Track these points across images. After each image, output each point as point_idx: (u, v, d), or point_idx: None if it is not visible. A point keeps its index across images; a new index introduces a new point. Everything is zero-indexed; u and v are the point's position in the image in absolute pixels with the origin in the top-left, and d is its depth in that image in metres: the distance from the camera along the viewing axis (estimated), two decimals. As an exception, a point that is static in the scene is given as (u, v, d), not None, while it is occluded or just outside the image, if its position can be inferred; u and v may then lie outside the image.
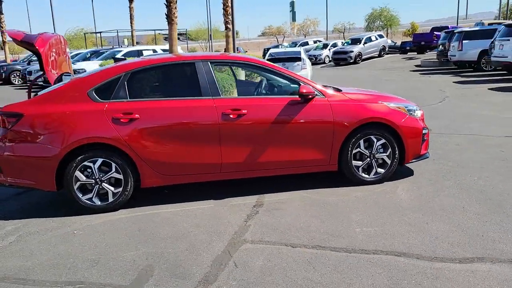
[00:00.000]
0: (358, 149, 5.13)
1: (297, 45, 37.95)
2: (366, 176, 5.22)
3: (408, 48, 34.63)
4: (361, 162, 5.18)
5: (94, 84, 4.76)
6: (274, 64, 5.22)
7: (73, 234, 4.25)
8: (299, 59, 15.16)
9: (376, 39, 31.71)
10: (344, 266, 3.39)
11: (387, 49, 33.34)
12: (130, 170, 4.73)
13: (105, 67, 5.14)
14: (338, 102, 5.07)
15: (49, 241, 4.10)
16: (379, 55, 31.87)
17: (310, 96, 4.95)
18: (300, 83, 5.08)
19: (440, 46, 22.57)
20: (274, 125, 4.90)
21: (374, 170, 5.22)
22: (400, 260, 3.45)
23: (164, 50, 21.33)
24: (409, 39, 43.53)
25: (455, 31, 20.63)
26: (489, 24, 21.30)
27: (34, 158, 4.59)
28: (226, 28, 22.28)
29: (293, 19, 30.71)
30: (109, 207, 4.76)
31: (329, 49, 33.25)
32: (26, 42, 4.79)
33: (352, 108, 5.08)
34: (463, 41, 19.21)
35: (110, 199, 4.75)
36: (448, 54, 20.56)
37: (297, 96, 4.99)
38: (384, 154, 5.19)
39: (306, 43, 42.21)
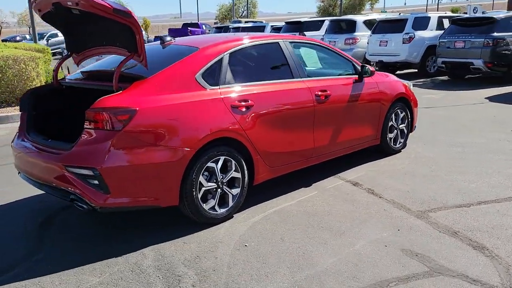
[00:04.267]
0: (391, 122, 5.70)
1: None
2: (395, 146, 5.84)
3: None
4: (392, 134, 5.76)
5: (199, 68, 3.90)
6: (332, 46, 5.26)
7: (245, 248, 3.51)
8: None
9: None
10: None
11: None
12: (246, 166, 4.09)
13: (195, 46, 4.17)
14: (381, 81, 5.51)
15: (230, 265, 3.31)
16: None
17: (367, 75, 5.24)
18: (354, 63, 5.29)
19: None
20: (347, 104, 5.02)
21: (398, 140, 5.88)
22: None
23: None
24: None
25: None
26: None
27: (153, 165, 3.49)
28: None
29: None
30: (229, 213, 4.02)
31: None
32: (120, 11, 3.40)
33: (389, 86, 5.61)
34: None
35: (230, 203, 4.01)
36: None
37: (356, 76, 5.20)
38: (403, 125, 5.91)
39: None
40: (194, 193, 3.71)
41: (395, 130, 5.80)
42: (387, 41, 13.71)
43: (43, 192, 4.70)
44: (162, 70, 3.75)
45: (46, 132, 4.19)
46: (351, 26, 15.28)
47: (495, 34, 11.29)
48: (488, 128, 7.09)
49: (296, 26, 16.91)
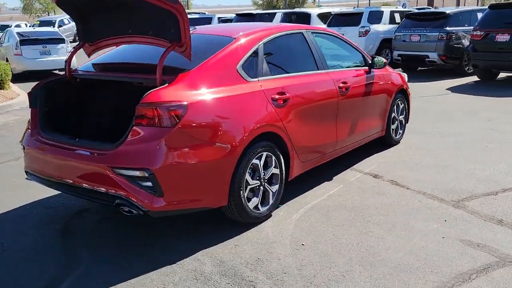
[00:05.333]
0: (393, 114, 5.75)
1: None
2: (396, 137, 5.91)
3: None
4: (394, 125, 5.82)
5: (239, 58, 3.67)
6: (344, 37, 5.18)
7: (302, 247, 3.35)
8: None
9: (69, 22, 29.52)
10: None
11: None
12: (284, 161, 3.92)
13: (228, 36, 3.88)
14: (386, 73, 5.52)
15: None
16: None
17: (378, 67, 5.23)
18: (364, 54, 5.26)
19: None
20: (363, 96, 4.99)
21: (398, 131, 5.96)
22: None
23: None
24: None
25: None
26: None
27: (206, 164, 3.24)
28: None
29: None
30: (269, 212, 3.83)
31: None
32: None
33: (393, 78, 5.65)
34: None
35: (270, 201, 3.83)
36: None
37: (366, 67, 5.18)
38: (402, 116, 5.99)
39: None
40: (241, 192, 3.48)
41: (396, 122, 5.86)
42: (343, 34, 13.90)
43: (46, 196, 4.30)
44: (205, 62, 3.47)
45: (60, 129, 3.76)
46: (305, 19, 15.36)
47: (448, 28, 11.84)
48: (465, 118, 7.39)
49: (248, 18, 16.75)
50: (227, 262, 3.16)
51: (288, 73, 4.09)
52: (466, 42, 11.98)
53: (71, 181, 3.33)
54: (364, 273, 2.99)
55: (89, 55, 4.08)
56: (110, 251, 3.36)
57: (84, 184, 3.26)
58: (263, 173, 3.68)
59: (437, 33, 11.83)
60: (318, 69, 4.43)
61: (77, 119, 3.99)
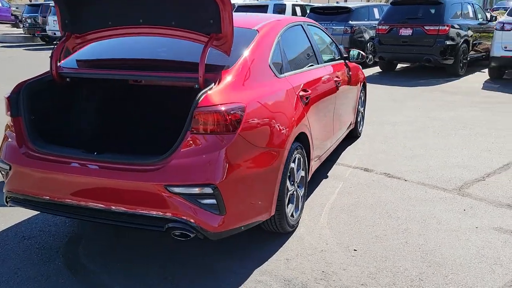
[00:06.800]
0: (358, 106, 5.80)
1: None
2: (359, 128, 5.98)
3: None
4: (359, 118, 5.87)
5: (268, 53, 3.31)
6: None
7: (356, 252, 3.17)
8: None
9: None
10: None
11: None
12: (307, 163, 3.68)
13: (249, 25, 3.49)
14: (354, 66, 5.52)
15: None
16: None
17: (356, 60, 5.20)
18: (339, 46, 5.18)
19: (28, 20, 21.11)
20: (346, 90, 4.92)
21: (361, 123, 6.04)
22: None
23: None
24: None
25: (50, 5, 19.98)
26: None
27: (261, 172, 2.89)
28: None
29: None
30: (299, 218, 3.56)
31: None
32: None
33: (359, 70, 5.68)
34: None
35: (299, 205, 3.56)
36: (47, 29, 19.82)
37: (342, 61, 5.12)
38: (362, 108, 6.09)
39: None
40: (284, 199, 3.17)
41: (360, 114, 5.92)
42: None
43: (22, 219, 3.51)
44: (244, 57, 3.05)
45: (54, 139, 3.06)
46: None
47: (352, 22, 12.45)
48: (397, 107, 7.80)
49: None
50: (293, 280, 2.83)
51: (301, 67, 3.83)
52: (366, 36, 12.73)
53: (94, 204, 2.70)
54: (437, 273, 2.91)
55: (72, 50, 3.37)
56: (154, 279, 2.81)
57: (115, 207, 2.66)
58: (296, 177, 3.40)
59: (343, 27, 12.36)
60: (318, 63, 4.25)
61: (74, 126, 3.28)
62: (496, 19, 13.30)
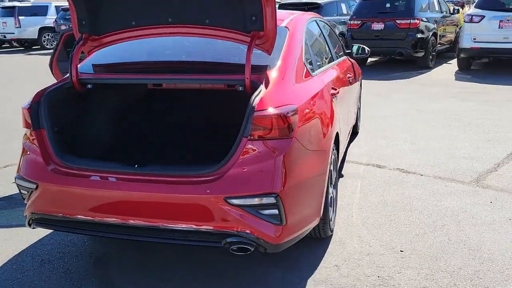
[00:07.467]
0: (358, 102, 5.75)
1: None
2: (358, 123, 5.93)
3: None
4: (359, 113, 5.82)
5: (301, 50, 3.15)
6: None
7: (403, 253, 3.07)
8: None
9: None
10: None
11: None
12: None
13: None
14: (353, 61, 5.45)
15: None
16: None
17: (362, 55, 5.13)
18: (342, 42, 5.10)
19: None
20: (354, 86, 4.85)
21: (359, 118, 5.99)
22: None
23: None
24: None
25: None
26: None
27: (314, 177, 2.74)
28: None
29: None
30: (335, 220, 3.44)
31: None
32: None
33: (357, 65, 5.62)
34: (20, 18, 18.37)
35: (335, 208, 3.43)
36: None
37: (346, 56, 5.04)
38: (359, 103, 6.03)
39: None
40: (328, 203, 3.04)
41: (358, 109, 5.88)
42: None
43: (31, 241, 3.21)
44: (283, 56, 2.88)
45: (82, 153, 2.79)
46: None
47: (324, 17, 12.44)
48: (383, 101, 7.82)
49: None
50: (353, 288, 2.71)
51: (324, 64, 3.70)
52: (336, 31, 12.76)
53: (140, 222, 2.47)
54: (492, 270, 2.86)
55: (88, 54, 3.08)
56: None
57: (164, 224, 2.44)
58: (333, 179, 3.28)
59: (313, 22, 12.33)
60: (334, 59, 4.14)
61: (96, 137, 3.01)
62: (458, 11, 13.73)
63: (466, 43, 10.35)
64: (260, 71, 2.69)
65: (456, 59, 11.27)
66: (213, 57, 3.14)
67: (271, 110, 2.41)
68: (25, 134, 2.82)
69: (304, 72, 3.03)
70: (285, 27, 3.24)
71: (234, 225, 2.38)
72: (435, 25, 11.40)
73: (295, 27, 3.28)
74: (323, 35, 4.09)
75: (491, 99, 7.67)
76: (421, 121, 6.40)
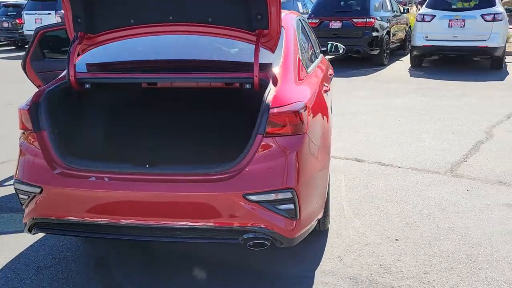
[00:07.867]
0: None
1: None
2: (330, 121, 6.08)
3: None
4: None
5: (297, 48, 3.22)
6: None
7: (397, 242, 3.22)
8: None
9: None
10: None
11: None
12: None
13: None
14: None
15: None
16: None
17: (330, 53, 5.27)
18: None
19: None
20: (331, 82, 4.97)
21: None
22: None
23: None
24: None
25: None
26: None
27: (322, 172, 2.82)
28: None
29: None
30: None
31: None
32: None
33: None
34: None
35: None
36: None
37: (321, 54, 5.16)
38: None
39: None
40: (329, 196, 3.13)
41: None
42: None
43: (20, 248, 3.12)
44: (284, 54, 2.93)
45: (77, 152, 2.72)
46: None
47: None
48: (347, 98, 8.04)
49: (50, 3, 14.81)
50: (358, 277, 2.81)
51: (312, 62, 3.78)
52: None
53: (153, 222, 2.45)
54: (482, 253, 3.05)
55: (83, 52, 3.00)
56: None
57: (181, 223, 2.43)
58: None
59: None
60: (317, 57, 4.23)
61: (95, 137, 2.93)
62: (408, 11, 14.31)
63: (418, 41, 10.81)
64: (265, 69, 2.73)
65: (407, 56, 11.75)
66: (213, 56, 3.15)
67: (286, 107, 2.46)
68: (22, 136, 2.71)
69: (303, 69, 3.10)
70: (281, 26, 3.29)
71: (251, 221, 2.41)
72: (388, 23, 11.84)
73: (288, 25, 3.34)
74: (307, 33, 4.17)
75: (447, 94, 8.07)
76: (388, 116, 6.65)
